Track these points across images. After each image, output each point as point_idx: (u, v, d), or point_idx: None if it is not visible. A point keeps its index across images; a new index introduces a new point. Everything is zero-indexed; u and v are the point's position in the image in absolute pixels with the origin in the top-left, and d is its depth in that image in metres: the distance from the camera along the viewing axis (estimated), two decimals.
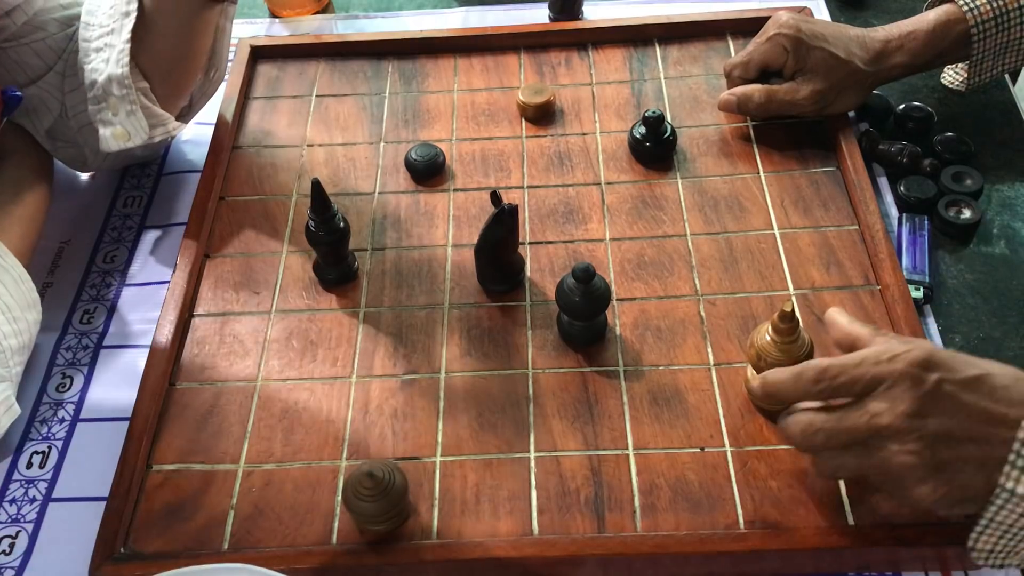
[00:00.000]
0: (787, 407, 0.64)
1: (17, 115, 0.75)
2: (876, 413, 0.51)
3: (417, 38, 0.91)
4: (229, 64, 0.92)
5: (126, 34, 0.71)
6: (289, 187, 0.81)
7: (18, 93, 0.71)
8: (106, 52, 0.71)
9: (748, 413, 0.64)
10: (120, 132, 0.73)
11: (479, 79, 0.88)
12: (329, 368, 0.68)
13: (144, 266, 0.78)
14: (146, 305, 0.75)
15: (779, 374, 0.56)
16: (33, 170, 0.76)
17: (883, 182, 0.79)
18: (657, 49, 0.90)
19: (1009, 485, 0.48)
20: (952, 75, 0.85)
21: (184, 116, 0.81)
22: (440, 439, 0.64)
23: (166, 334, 0.69)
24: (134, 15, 0.71)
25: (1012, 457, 0.48)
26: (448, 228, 0.76)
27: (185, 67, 0.77)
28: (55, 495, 0.64)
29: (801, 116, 0.80)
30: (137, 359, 0.71)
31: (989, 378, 0.51)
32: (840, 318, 0.58)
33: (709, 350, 0.67)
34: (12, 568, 0.61)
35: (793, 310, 0.57)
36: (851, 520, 0.58)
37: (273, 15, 1.01)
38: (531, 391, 0.66)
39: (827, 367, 0.53)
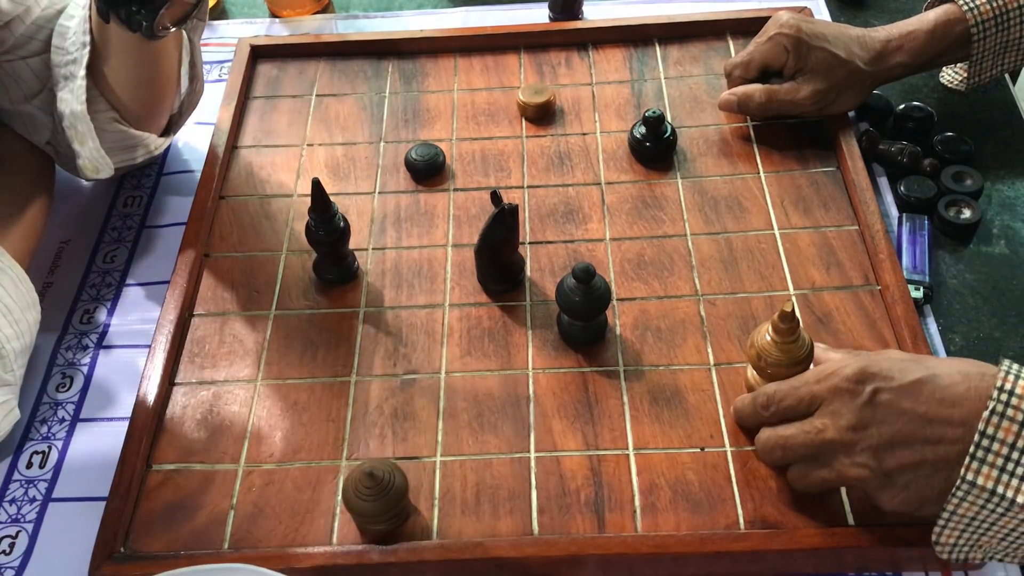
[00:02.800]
0: None
1: (17, 129, 0.75)
2: (821, 429, 0.54)
3: (417, 38, 0.91)
4: (229, 64, 0.92)
5: (82, 70, 0.69)
6: (289, 187, 0.81)
7: None
8: (70, 83, 0.70)
9: None
10: (88, 165, 0.72)
11: (479, 79, 0.88)
12: (329, 368, 0.68)
13: (144, 266, 0.78)
14: (146, 305, 0.75)
15: (740, 401, 0.61)
16: (34, 173, 0.75)
17: (883, 182, 0.79)
18: (657, 49, 0.89)
19: (969, 477, 0.48)
20: (951, 74, 0.85)
21: (169, 130, 0.80)
22: (440, 439, 0.64)
23: (166, 334, 0.69)
24: (88, 48, 0.69)
25: (972, 449, 0.48)
26: (448, 228, 0.76)
27: (154, 91, 0.75)
28: (55, 495, 0.64)
29: (801, 116, 0.80)
30: (137, 359, 0.71)
31: (932, 380, 0.52)
32: (819, 352, 0.61)
33: (709, 350, 0.67)
34: (12, 568, 0.61)
35: (793, 310, 0.57)
36: (851, 520, 0.58)
37: (273, 15, 1.01)
38: (531, 391, 0.66)
39: (774, 392, 0.58)
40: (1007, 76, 0.87)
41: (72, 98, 0.70)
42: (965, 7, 0.75)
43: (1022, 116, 0.84)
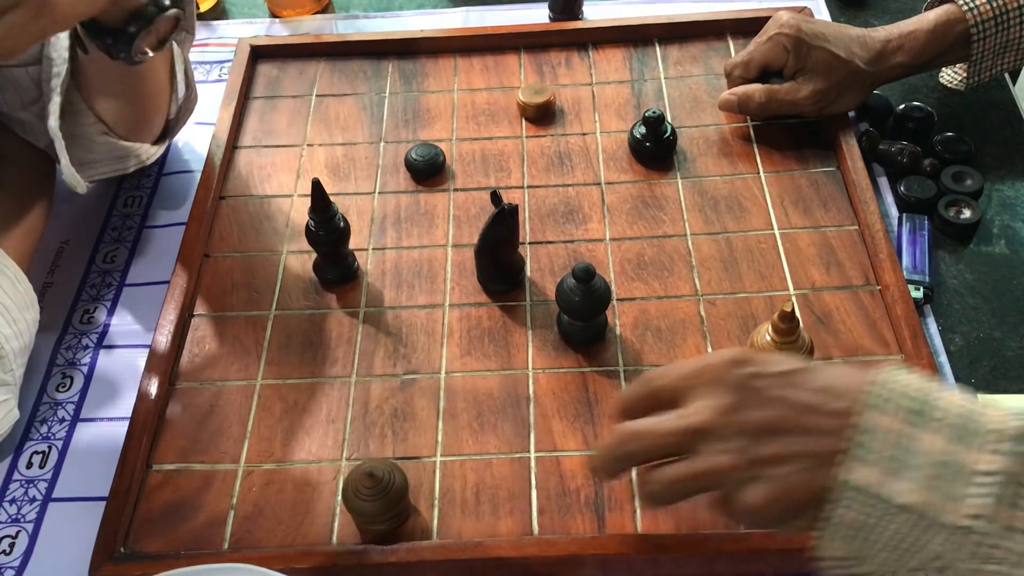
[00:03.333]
0: None
1: (17, 132, 0.75)
2: (692, 413, 0.49)
3: (417, 38, 0.91)
4: (229, 64, 0.92)
5: (59, 87, 0.68)
6: (289, 187, 0.81)
7: None
8: (54, 98, 0.69)
9: None
10: (67, 179, 0.71)
11: (479, 79, 0.88)
12: (329, 368, 0.68)
13: (144, 266, 0.78)
14: (146, 305, 0.74)
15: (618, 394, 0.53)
16: (34, 174, 0.75)
17: (883, 182, 0.79)
18: (657, 49, 0.89)
19: (843, 476, 0.44)
20: (950, 74, 0.85)
21: (164, 138, 0.80)
22: (440, 439, 0.64)
23: (166, 334, 0.69)
24: (67, 64, 0.68)
25: (846, 445, 0.45)
26: (448, 228, 0.76)
27: (142, 107, 0.74)
28: (55, 495, 0.64)
29: (801, 116, 0.80)
30: (137, 359, 0.71)
31: (813, 370, 0.48)
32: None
33: (709, 350, 0.67)
34: (12, 568, 0.61)
35: (793, 310, 0.57)
36: None
37: (273, 15, 1.01)
38: (531, 391, 0.66)
39: (649, 376, 0.52)
40: (1007, 76, 0.87)
41: (53, 113, 0.69)
42: (965, 7, 0.75)
43: (1022, 116, 0.84)
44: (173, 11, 0.65)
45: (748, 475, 0.47)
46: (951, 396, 0.46)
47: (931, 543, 0.44)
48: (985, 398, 0.62)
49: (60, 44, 0.69)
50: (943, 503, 0.43)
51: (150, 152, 0.77)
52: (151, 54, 0.67)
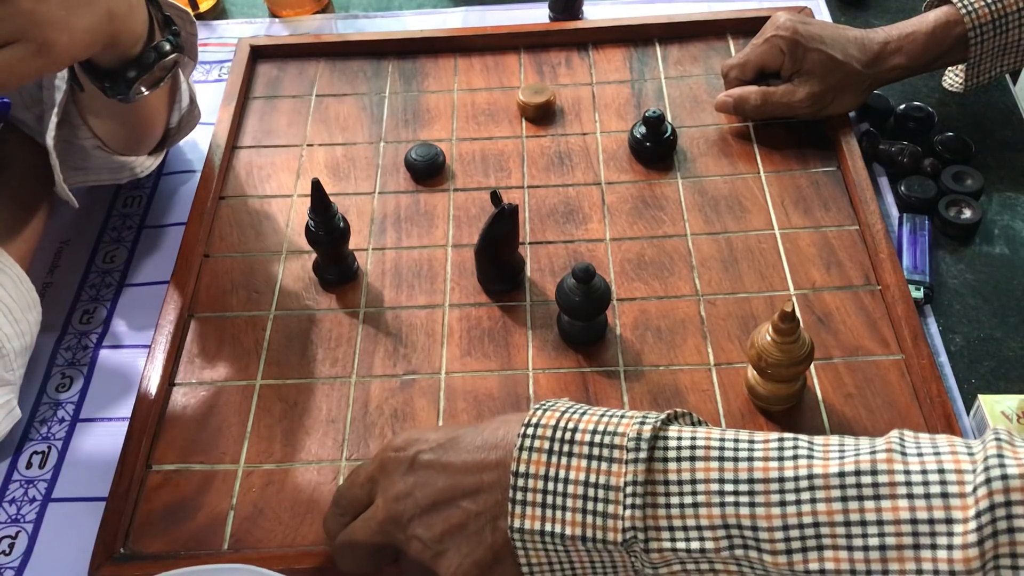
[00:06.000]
0: (787, 405, 0.64)
1: (24, 131, 0.75)
2: (376, 510, 0.50)
3: (417, 38, 0.91)
4: (229, 64, 0.92)
5: (55, 107, 0.67)
6: (289, 187, 0.81)
7: (6, 100, 0.70)
8: (52, 116, 0.68)
9: (748, 413, 0.64)
10: (62, 194, 0.71)
11: (479, 79, 0.88)
12: (329, 368, 0.68)
13: (144, 266, 0.78)
14: (146, 305, 0.74)
15: (324, 521, 0.54)
16: (35, 174, 0.75)
17: (883, 182, 0.79)
18: (657, 49, 0.89)
19: (516, 524, 0.45)
20: (952, 78, 0.85)
21: (159, 149, 0.79)
22: None
23: (166, 334, 0.69)
24: (65, 87, 0.67)
25: (511, 493, 0.45)
26: (448, 228, 0.76)
27: (137, 133, 0.74)
28: (55, 495, 0.64)
29: (798, 118, 0.80)
30: (137, 359, 0.71)
31: (469, 431, 0.49)
32: None
33: (709, 350, 0.67)
34: (12, 568, 0.61)
35: (794, 310, 0.57)
36: None
37: (273, 15, 1.01)
38: (531, 391, 0.66)
39: (338, 489, 0.53)
40: (1007, 76, 0.87)
41: (46, 128, 0.68)
42: (963, 10, 0.74)
43: (1022, 116, 0.84)
44: (173, 56, 0.65)
45: (435, 552, 0.48)
46: (591, 417, 0.47)
47: (618, 559, 0.45)
48: (985, 398, 0.62)
49: None
50: (603, 523, 0.44)
51: (145, 164, 0.77)
52: (147, 93, 0.66)
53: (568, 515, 0.45)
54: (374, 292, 0.73)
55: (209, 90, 0.91)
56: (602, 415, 0.47)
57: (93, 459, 0.65)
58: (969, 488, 0.39)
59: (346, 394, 0.67)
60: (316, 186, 0.66)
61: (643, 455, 0.44)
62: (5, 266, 0.65)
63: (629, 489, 0.43)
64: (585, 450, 0.45)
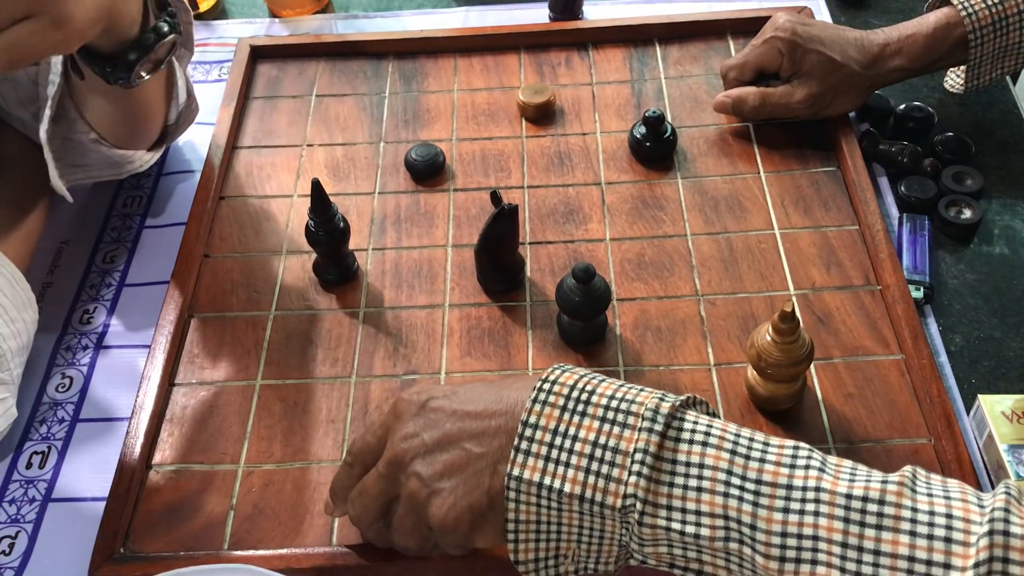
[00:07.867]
0: (787, 405, 0.64)
1: (17, 128, 0.75)
2: (385, 452, 0.51)
3: (417, 38, 0.91)
4: (229, 64, 0.92)
5: (50, 100, 0.67)
6: (289, 187, 0.81)
7: None
8: (46, 110, 0.68)
9: (748, 413, 0.64)
10: (57, 188, 0.70)
11: (479, 79, 0.88)
12: (329, 368, 0.68)
13: (144, 266, 0.78)
14: (146, 305, 0.74)
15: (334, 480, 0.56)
16: (34, 174, 0.75)
17: (883, 182, 0.79)
18: (657, 49, 0.89)
19: (516, 472, 0.45)
20: (953, 79, 0.85)
21: (159, 144, 0.79)
22: None
23: (166, 334, 0.69)
24: (59, 80, 0.67)
25: (516, 441, 0.46)
26: (448, 228, 0.76)
27: (135, 126, 0.74)
28: (55, 495, 0.64)
29: (797, 119, 0.80)
30: (137, 359, 0.71)
31: (479, 386, 0.51)
32: None
33: (709, 350, 0.67)
34: (12, 568, 0.61)
35: (794, 310, 0.57)
36: None
37: (273, 15, 1.01)
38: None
39: (352, 442, 0.54)
40: (1007, 77, 0.87)
41: (41, 122, 0.68)
42: (963, 12, 0.74)
43: (1022, 116, 0.84)
44: (171, 36, 0.65)
45: (431, 490, 0.48)
46: (609, 384, 0.47)
47: (608, 528, 0.45)
48: (985, 398, 0.62)
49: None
50: (605, 485, 0.44)
51: (144, 159, 0.77)
52: (147, 77, 0.66)
53: (571, 472, 0.45)
54: (374, 292, 0.73)
55: (209, 90, 0.91)
56: (621, 385, 0.47)
57: (93, 459, 0.65)
58: (973, 539, 0.39)
59: (346, 394, 0.67)
60: (316, 186, 0.66)
61: (658, 427, 0.44)
62: (0, 265, 0.65)
63: (638, 456, 0.44)
64: (600, 412, 0.46)
